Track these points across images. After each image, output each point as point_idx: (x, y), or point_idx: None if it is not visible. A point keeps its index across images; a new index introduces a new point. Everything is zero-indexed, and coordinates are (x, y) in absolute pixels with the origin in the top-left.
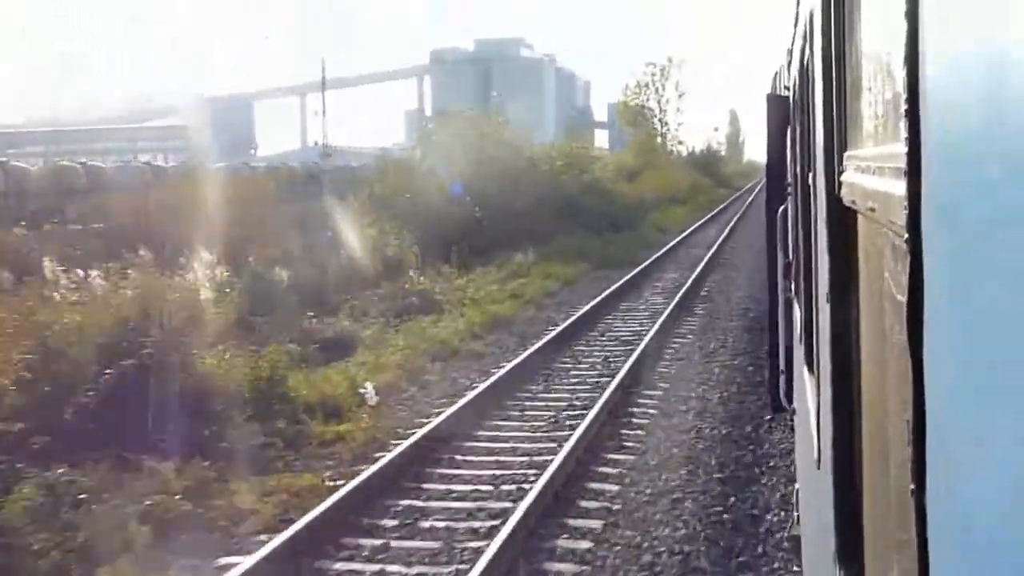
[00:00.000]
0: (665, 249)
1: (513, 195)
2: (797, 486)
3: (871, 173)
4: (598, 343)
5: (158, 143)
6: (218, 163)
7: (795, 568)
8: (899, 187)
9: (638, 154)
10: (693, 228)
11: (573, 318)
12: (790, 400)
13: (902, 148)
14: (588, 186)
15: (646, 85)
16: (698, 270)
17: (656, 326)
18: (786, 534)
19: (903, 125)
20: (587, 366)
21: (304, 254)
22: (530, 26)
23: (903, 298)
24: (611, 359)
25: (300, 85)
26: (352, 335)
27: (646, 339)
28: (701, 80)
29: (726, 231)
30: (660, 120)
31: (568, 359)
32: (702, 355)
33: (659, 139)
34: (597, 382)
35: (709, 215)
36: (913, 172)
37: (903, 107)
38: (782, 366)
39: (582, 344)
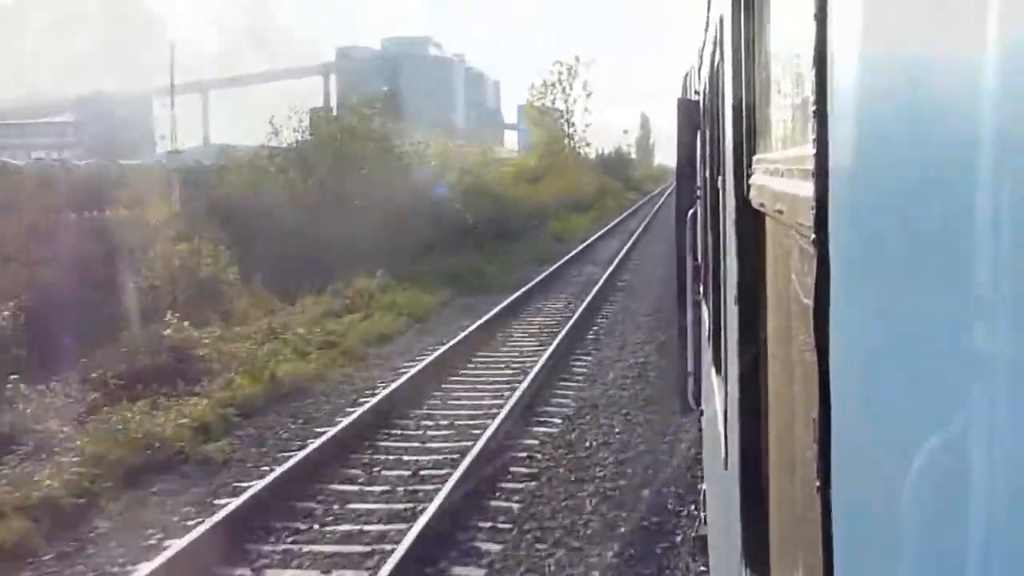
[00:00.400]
0: (556, 266)
1: (380, 200)
2: (703, 487)
3: (779, 175)
4: (404, 460)
5: (56, 139)
6: (122, 160)
7: (702, 569)
8: (807, 189)
9: (543, 156)
10: (595, 238)
11: (395, 386)
12: (698, 402)
13: (810, 150)
14: (475, 190)
15: (553, 84)
16: (589, 298)
17: (511, 403)
18: (693, 534)
19: (811, 127)
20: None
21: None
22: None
23: (809, 301)
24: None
25: (204, 82)
26: None
27: (485, 438)
28: (612, 81)
29: (630, 241)
30: (567, 121)
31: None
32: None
33: (566, 140)
34: None
35: (615, 221)
36: (821, 174)
37: (811, 109)
38: (691, 368)
39: (371, 463)
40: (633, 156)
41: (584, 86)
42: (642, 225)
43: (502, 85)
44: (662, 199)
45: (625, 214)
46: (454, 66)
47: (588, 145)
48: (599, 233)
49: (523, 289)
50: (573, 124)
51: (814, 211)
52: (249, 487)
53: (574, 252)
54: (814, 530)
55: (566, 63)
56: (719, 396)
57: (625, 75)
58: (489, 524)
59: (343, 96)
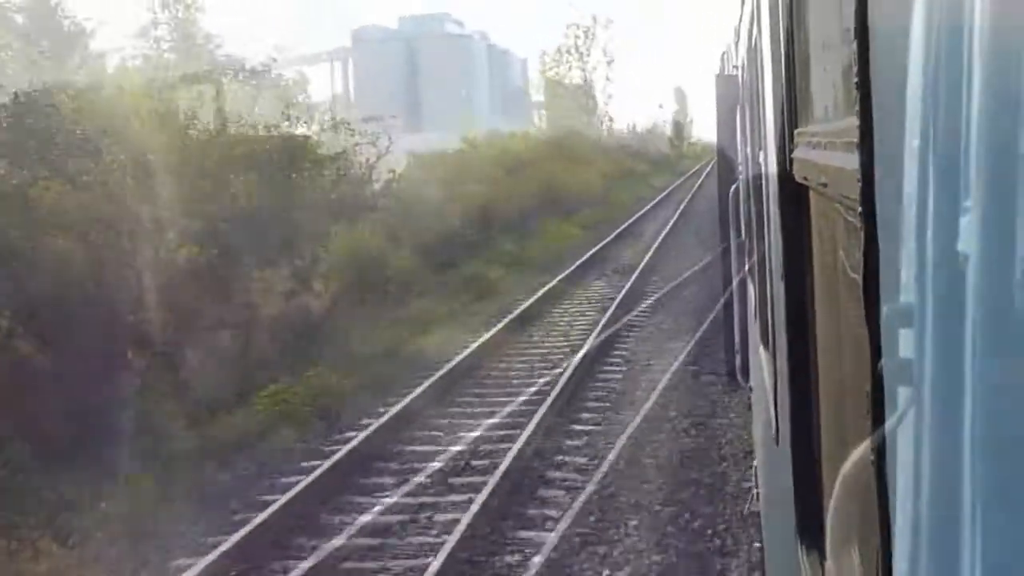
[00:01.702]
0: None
1: None
2: (755, 463)
3: (823, 148)
4: None
5: None
6: None
7: (756, 545)
8: (851, 161)
9: (549, 136)
10: (569, 272)
11: None
12: (747, 377)
13: (854, 122)
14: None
15: (568, 51)
16: None
17: None
18: (746, 510)
19: (854, 98)
20: None
21: None
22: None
23: (857, 275)
24: None
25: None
26: None
27: None
28: (638, 50)
29: (631, 279)
30: (586, 92)
31: None
32: None
33: (586, 116)
34: None
35: (622, 227)
36: (865, 146)
37: (854, 80)
38: (738, 344)
39: None
40: (668, 133)
41: (604, 51)
42: (664, 230)
43: (530, 63)
44: (699, 180)
45: (642, 211)
46: (475, 45)
47: (612, 120)
48: (583, 258)
49: None
50: (593, 96)
51: (860, 184)
52: None
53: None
54: (870, 506)
55: (582, 25)
56: (768, 371)
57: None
58: None
59: (361, 82)
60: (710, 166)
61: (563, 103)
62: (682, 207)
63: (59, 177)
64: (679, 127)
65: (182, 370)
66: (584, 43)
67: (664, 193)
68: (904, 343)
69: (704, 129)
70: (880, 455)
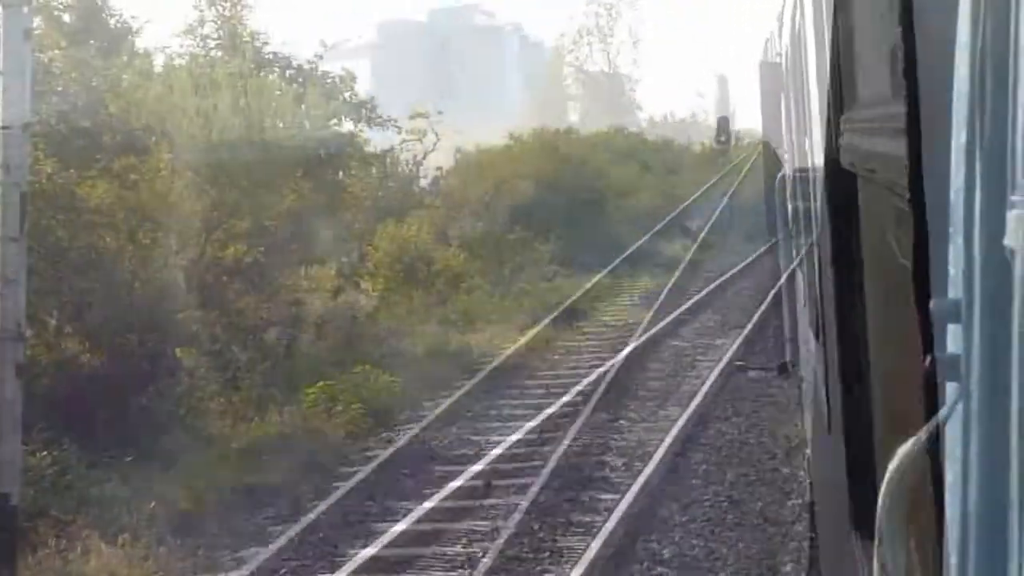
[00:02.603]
0: None
1: None
2: (808, 452)
3: (869, 135)
4: None
5: None
6: None
7: (811, 535)
8: (899, 147)
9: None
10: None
11: None
12: (796, 365)
13: (901, 108)
14: None
15: (589, 32)
16: None
17: None
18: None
19: (899, 84)
20: None
21: None
22: None
23: (907, 261)
24: None
25: None
26: None
27: None
28: (671, 32)
29: None
30: (608, 75)
31: None
32: None
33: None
34: None
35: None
36: (912, 132)
37: (900, 66)
38: (788, 333)
39: None
40: (710, 123)
41: (629, 31)
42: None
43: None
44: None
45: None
46: (506, 37)
47: (640, 109)
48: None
49: None
50: (618, 79)
51: (907, 169)
52: None
53: None
54: (921, 497)
55: (603, 2)
56: (818, 360)
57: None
58: None
59: (388, 77)
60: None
61: (596, 93)
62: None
63: (106, 176)
64: (724, 121)
65: (229, 368)
66: (607, 22)
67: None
68: (952, 338)
69: (748, 119)
70: (931, 447)
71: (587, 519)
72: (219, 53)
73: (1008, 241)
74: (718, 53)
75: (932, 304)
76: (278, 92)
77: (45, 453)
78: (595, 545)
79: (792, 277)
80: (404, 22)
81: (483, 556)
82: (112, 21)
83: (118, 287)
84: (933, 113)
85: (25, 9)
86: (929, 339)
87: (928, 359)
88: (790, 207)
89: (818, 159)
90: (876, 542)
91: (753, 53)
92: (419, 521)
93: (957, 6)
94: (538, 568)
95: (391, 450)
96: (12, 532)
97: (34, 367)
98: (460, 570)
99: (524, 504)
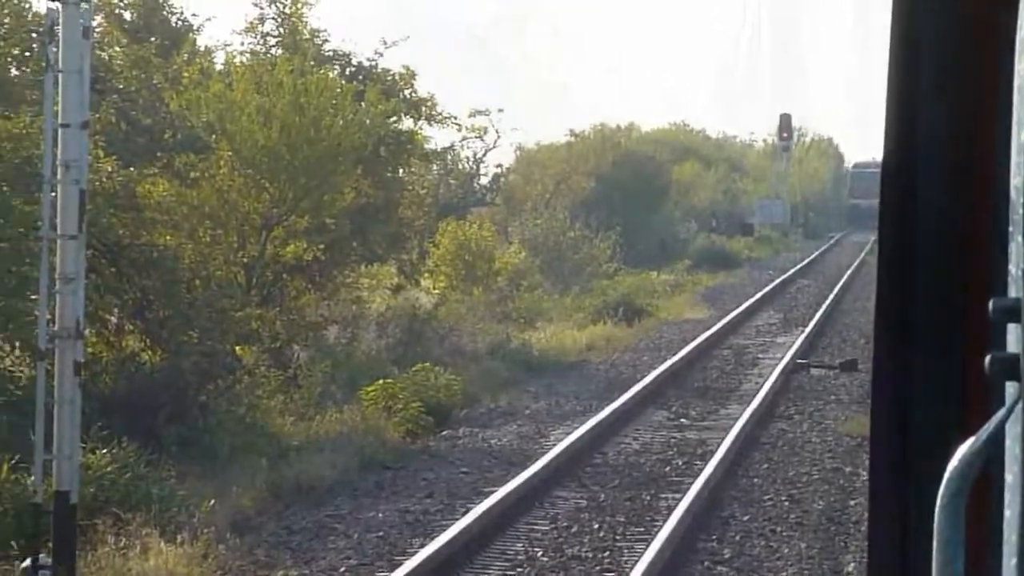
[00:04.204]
0: None
1: None
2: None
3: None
4: None
5: None
6: None
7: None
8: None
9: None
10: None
11: None
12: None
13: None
14: None
15: None
16: None
17: None
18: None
19: None
20: None
21: None
22: None
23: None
24: None
25: None
26: None
27: None
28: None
29: None
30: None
31: None
32: None
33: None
34: None
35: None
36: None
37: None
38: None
39: None
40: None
41: None
42: None
43: None
44: None
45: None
46: None
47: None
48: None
49: None
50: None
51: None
52: None
53: None
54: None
55: None
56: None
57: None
58: None
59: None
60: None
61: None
62: None
63: (167, 173)
64: (787, 118)
65: (289, 366)
66: None
67: None
68: (1013, 338)
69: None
70: (989, 448)
71: (647, 518)
72: (279, 51)
73: None
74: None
75: (992, 303)
76: (338, 89)
77: (104, 451)
78: (655, 546)
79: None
80: (464, 20)
81: (543, 555)
82: (173, 18)
83: (178, 285)
84: (993, 112)
85: (84, 6)
86: (988, 338)
87: (988, 359)
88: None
89: (878, 154)
90: (934, 544)
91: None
92: (478, 520)
93: None
94: (597, 567)
95: (451, 448)
96: (71, 530)
97: (94, 365)
98: (520, 569)
99: (584, 503)
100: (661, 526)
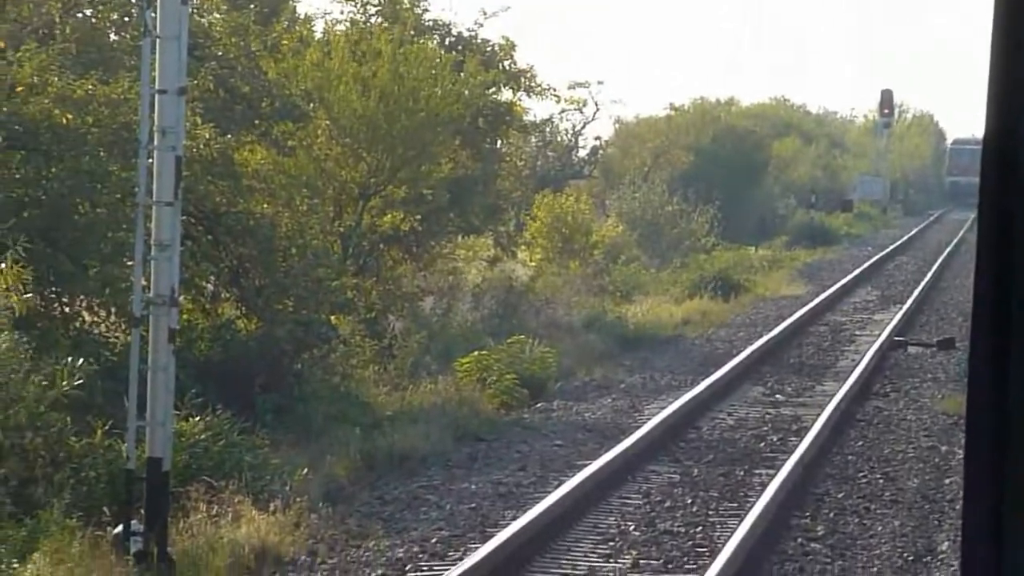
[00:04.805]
0: None
1: None
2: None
3: None
4: None
5: None
6: None
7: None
8: None
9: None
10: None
11: None
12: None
13: None
14: None
15: None
16: None
17: None
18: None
19: None
20: None
21: None
22: None
23: None
24: None
25: None
26: None
27: None
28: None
29: None
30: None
31: None
32: None
33: None
34: None
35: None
36: None
37: None
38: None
39: None
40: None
41: None
42: None
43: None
44: None
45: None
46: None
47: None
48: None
49: None
50: None
51: None
52: None
53: None
54: None
55: None
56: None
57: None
58: None
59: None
60: None
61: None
62: None
63: (264, 142)
64: (888, 93)
65: (384, 336)
66: None
67: None
68: None
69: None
70: None
71: (741, 493)
72: (379, 19)
73: None
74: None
75: None
76: (437, 60)
77: (198, 418)
78: (748, 521)
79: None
80: None
81: (635, 529)
82: None
83: (274, 253)
84: None
85: None
86: None
87: None
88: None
89: (979, 131)
90: None
91: None
92: (571, 493)
93: None
94: (689, 543)
95: (544, 421)
96: (164, 497)
97: (190, 332)
98: (612, 543)
99: (677, 477)
100: (754, 502)
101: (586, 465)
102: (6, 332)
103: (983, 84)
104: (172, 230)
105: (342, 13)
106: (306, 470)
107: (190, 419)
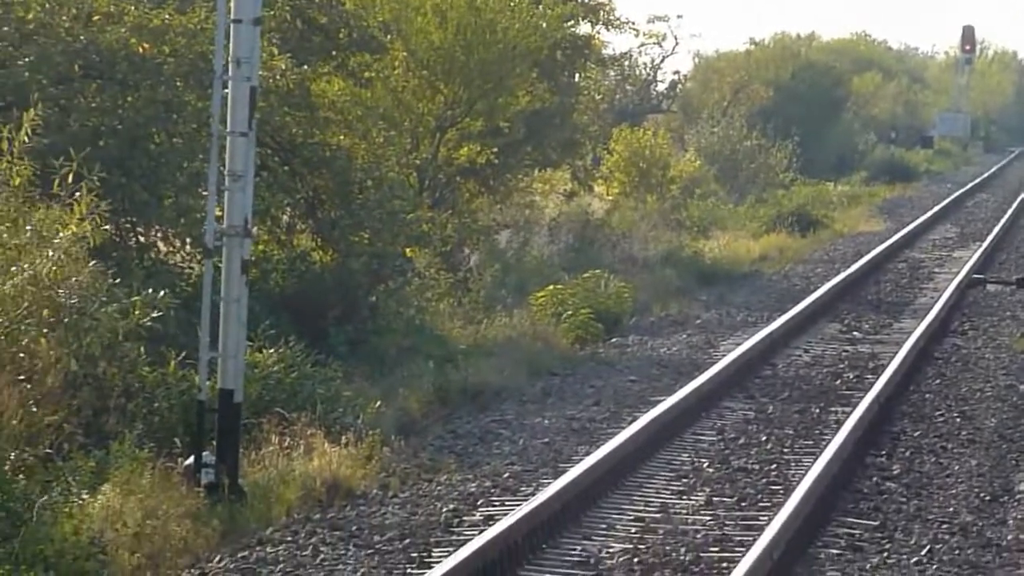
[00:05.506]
0: None
1: None
2: None
3: None
4: None
5: None
6: None
7: None
8: None
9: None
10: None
11: None
12: None
13: None
14: None
15: None
16: None
17: None
18: None
19: None
20: None
21: None
22: None
23: None
24: None
25: None
26: None
27: None
28: None
29: None
30: None
31: None
32: None
33: None
34: None
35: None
36: None
37: None
38: None
39: None
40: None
41: None
42: None
43: None
44: None
45: None
46: None
47: None
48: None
49: None
50: None
51: None
52: None
53: None
54: None
55: None
56: None
57: None
58: None
59: None
60: None
61: None
62: None
63: (341, 73)
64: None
65: (460, 269)
66: None
67: None
68: None
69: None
70: None
71: (816, 431)
72: None
73: None
74: None
75: None
76: None
77: (272, 350)
78: (823, 459)
79: None
80: None
81: (708, 466)
82: None
83: (350, 185)
84: None
85: None
86: None
87: None
88: None
89: None
90: None
91: None
92: (644, 429)
93: None
94: (763, 480)
95: (619, 356)
96: (235, 428)
97: (265, 263)
98: (685, 479)
99: (752, 414)
100: (830, 440)
101: (660, 401)
102: (88, 261)
103: None
104: (246, 161)
105: None
106: (379, 403)
107: (263, 351)
